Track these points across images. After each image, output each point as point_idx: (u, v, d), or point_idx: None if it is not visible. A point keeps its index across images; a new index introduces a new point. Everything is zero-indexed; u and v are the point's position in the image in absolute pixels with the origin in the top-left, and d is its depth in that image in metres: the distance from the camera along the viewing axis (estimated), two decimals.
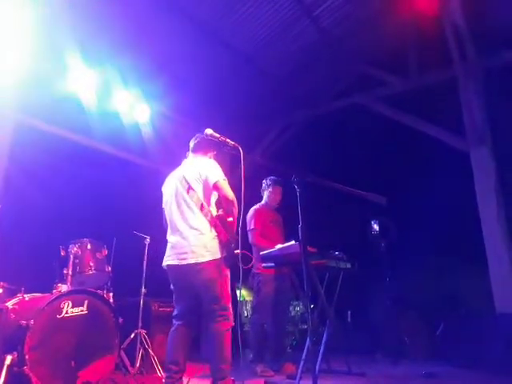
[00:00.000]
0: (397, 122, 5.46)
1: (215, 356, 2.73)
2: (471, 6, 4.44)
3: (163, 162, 6.28)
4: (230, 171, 4.27)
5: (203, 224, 2.84)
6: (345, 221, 5.28)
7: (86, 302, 3.22)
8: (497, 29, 4.44)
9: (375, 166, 5.61)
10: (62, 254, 3.52)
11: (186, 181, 2.95)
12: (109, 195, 4.81)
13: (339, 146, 5.84)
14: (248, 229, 4.26)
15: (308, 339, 3.16)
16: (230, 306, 2.86)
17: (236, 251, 2.89)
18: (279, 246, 3.79)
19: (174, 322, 2.93)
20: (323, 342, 3.78)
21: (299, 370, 3.53)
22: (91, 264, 3.53)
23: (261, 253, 3.87)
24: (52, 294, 3.19)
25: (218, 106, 6.11)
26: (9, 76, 4.29)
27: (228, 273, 2.89)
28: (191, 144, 3.17)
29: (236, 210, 2.87)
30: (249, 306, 7.12)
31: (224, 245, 2.85)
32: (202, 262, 2.76)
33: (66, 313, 3.09)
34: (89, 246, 3.58)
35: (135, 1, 4.65)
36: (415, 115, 5.33)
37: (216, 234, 2.84)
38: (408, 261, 4.98)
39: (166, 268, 2.95)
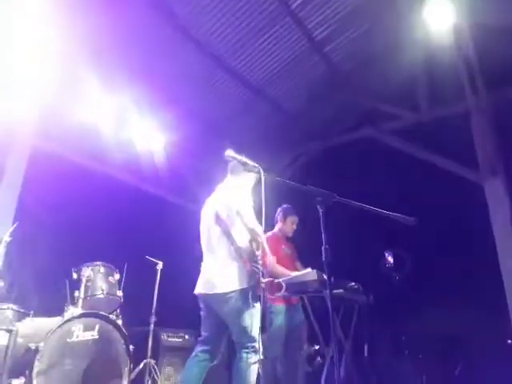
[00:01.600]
0: (409, 155, 5.51)
1: None
2: (482, 41, 4.60)
3: (175, 192, 6.30)
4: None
5: (229, 253, 2.83)
6: (358, 251, 5.19)
7: (97, 326, 3.13)
8: (507, 63, 4.55)
9: (387, 199, 5.57)
10: (74, 276, 3.45)
11: (214, 208, 2.97)
12: (121, 221, 4.78)
13: (349, 178, 5.84)
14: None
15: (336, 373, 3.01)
16: (259, 338, 2.77)
17: (263, 280, 2.84)
18: (295, 273, 3.71)
19: (197, 347, 2.91)
20: (340, 377, 3.62)
21: None
22: (103, 288, 3.45)
23: (276, 280, 3.78)
24: (63, 316, 3.09)
25: (229, 137, 6.18)
26: (27, 100, 4.38)
27: (257, 304, 2.81)
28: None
29: (260, 239, 2.84)
30: None
31: (250, 275, 2.80)
32: (228, 292, 2.73)
33: (77, 337, 2.99)
34: (102, 270, 3.52)
35: (153, 33, 4.80)
36: (427, 148, 5.39)
37: (242, 263, 2.81)
38: (422, 295, 4.87)
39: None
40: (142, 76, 5.07)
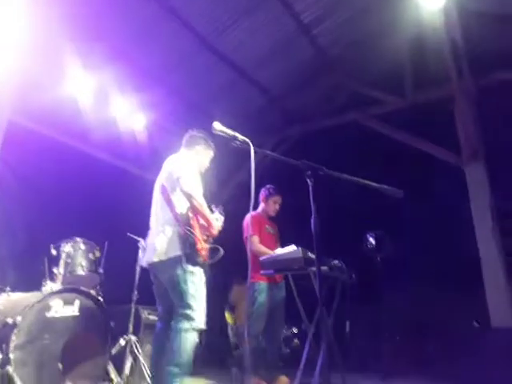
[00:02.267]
0: (393, 139, 5.55)
1: (171, 356, 2.56)
2: (469, 25, 4.64)
3: (155, 171, 6.19)
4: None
5: (168, 221, 2.80)
6: (341, 231, 5.22)
7: (77, 302, 3.06)
8: (491, 49, 4.60)
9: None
10: (53, 253, 3.35)
11: (160, 178, 3.00)
12: (101, 200, 4.67)
13: (333, 162, 5.84)
14: (245, 235, 4.17)
15: (322, 346, 3.01)
16: (199, 306, 2.69)
17: (201, 245, 2.73)
18: (280, 250, 3.71)
19: (157, 323, 2.91)
20: (320, 354, 3.64)
21: (296, 381, 3.40)
22: (83, 264, 3.36)
23: (261, 258, 3.77)
24: (42, 291, 3.00)
25: (212, 118, 6.08)
26: (5, 75, 4.20)
27: (196, 269, 2.74)
28: None
29: (196, 203, 2.77)
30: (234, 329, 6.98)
31: (183, 240, 2.70)
32: (164, 260, 2.70)
33: (56, 312, 2.91)
34: (82, 247, 3.43)
35: (135, 9, 4.65)
36: (411, 132, 5.44)
37: (178, 230, 2.74)
38: (403, 275, 4.95)
39: None
40: (125, 53, 4.93)
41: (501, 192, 4.81)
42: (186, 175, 2.79)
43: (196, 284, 2.70)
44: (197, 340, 2.67)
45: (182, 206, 2.81)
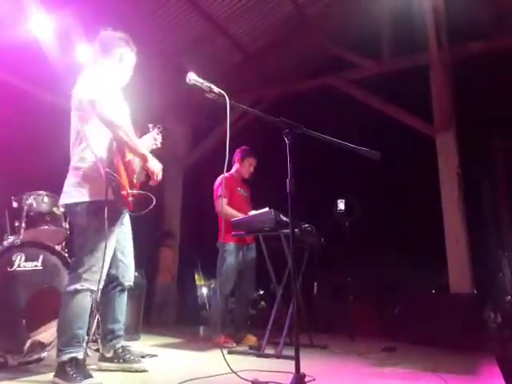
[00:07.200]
0: (368, 105, 5.53)
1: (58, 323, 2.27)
2: None
3: None
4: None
5: (80, 156, 2.31)
6: (312, 195, 5.25)
7: (40, 256, 2.92)
8: (467, 20, 4.60)
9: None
10: (14, 205, 3.16)
11: (71, 107, 2.38)
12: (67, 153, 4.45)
13: (308, 126, 5.80)
14: (215, 196, 4.12)
15: (291, 306, 3.04)
16: (94, 264, 2.23)
17: (126, 192, 2.22)
18: (253, 212, 3.68)
19: None
20: (288, 314, 3.70)
21: (265, 339, 3.46)
22: (47, 218, 3.20)
23: (232, 220, 3.74)
24: (2, 245, 2.86)
25: (183, 72, 5.85)
26: None
27: (112, 224, 2.27)
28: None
29: (122, 133, 2.21)
30: (203, 291, 7.05)
31: (99, 184, 2.22)
32: (71, 204, 2.27)
33: (19, 266, 2.78)
34: (45, 200, 3.24)
35: None
36: (385, 99, 5.44)
37: (93, 170, 2.25)
38: (370, 241, 5.07)
39: None
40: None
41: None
42: (100, 97, 2.19)
43: (107, 241, 2.24)
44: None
45: (97, 139, 2.28)
